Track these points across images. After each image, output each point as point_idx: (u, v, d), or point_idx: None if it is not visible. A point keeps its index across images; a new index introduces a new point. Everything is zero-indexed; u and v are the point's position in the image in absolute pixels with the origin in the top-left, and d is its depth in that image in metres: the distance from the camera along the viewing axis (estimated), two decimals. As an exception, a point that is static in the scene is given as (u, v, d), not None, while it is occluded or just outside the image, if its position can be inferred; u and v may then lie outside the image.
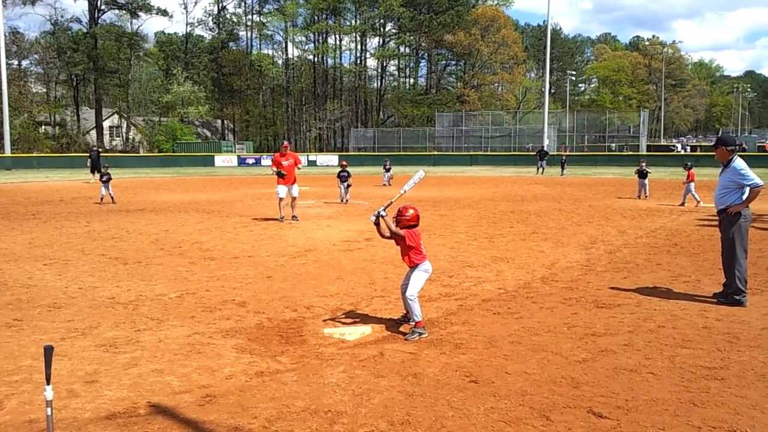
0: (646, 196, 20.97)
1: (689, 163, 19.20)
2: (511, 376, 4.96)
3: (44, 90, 71.59)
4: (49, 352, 3.19)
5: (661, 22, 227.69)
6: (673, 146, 74.08)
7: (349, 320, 6.63)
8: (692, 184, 18.43)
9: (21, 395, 4.59)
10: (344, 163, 21.64)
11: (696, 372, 5.00)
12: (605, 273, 8.96)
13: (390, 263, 9.71)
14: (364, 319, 6.68)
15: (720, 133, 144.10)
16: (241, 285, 8.29)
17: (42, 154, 54.67)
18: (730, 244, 7.33)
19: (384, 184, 28.32)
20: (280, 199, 15.20)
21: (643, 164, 21.53)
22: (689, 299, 7.34)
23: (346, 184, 20.30)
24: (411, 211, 6.20)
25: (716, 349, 5.54)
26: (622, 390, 4.64)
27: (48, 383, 3.17)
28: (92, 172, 31.20)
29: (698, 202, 18.23)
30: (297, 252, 10.89)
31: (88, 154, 34.70)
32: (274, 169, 15.15)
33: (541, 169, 38.93)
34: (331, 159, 57.23)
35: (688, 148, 71.17)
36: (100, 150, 38.96)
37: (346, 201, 20.17)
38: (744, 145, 62.70)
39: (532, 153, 49.07)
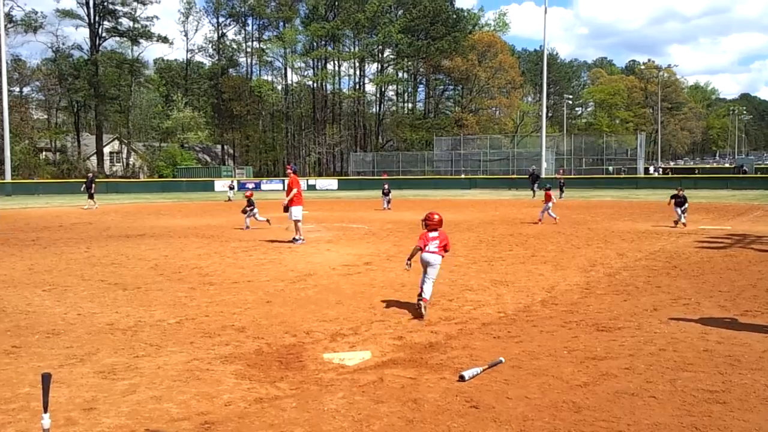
0: (684, 224, 18.57)
1: (548, 185, 22.02)
2: (512, 401, 4.93)
3: (45, 116, 72.04)
4: (46, 379, 3.17)
5: (656, 47, 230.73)
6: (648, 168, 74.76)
7: (348, 345, 6.60)
8: (550, 204, 20.80)
9: (18, 423, 4.55)
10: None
11: (698, 396, 4.97)
12: (605, 296, 8.94)
13: (389, 287, 9.69)
14: (364, 343, 6.65)
15: (717, 155, 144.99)
16: (240, 310, 8.27)
17: (42, 180, 54.83)
18: None
19: (384, 208, 28.31)
20: (298, 221, 15.61)
21: (680, 191, 19.09)
22: (690, 322, 7.31)
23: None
24: (436, 216, 8.21)
25: (718, 372, 5.51)
26: (624, 414, 4.61)
27: (45, 411, 3.15)
28: (89, 197, 31.19)
29: (554, 219, 20.50)
30: (296, 277, 10.87)
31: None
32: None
33: (535, 193, 38.68)
34: (330, 183, 57.35)
35: (660, 170, 72.14)
36: (96, 175, 38.66)
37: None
38: (744, 168, 63.00)
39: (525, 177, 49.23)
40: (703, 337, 6.64)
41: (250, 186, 46.77)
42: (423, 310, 7.72)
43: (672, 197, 19.23)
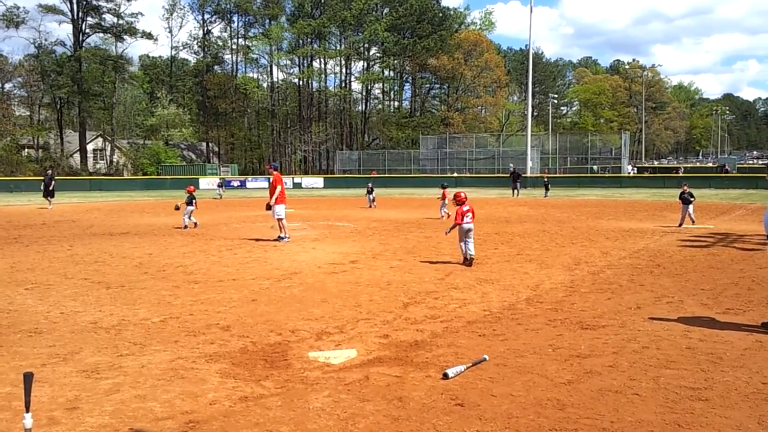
0: (693, 222, 18.64)
1: (445, 183, 23.57)
2: (497, 398, 4.95)
3: (28, 113, 71.09)
4: (28, 378, 3.14)
5: (640, 47, 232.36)
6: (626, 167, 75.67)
7: (334, 343, 6.59)
8: (446, 201, 21.91)
9: None
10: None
11: (680, 393, 5.02)
12: (589, 294, 9.00)
13: (375, 286, 9.70)
14: (350, 342, 6.65)
15: (700, 154, 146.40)
16: (225, 309, 8.23)
17: (25, 177, 54.23)
18: None
19: (370, 206, 28.33)
20: (281, 219, 15.53)
21: (686, 188, 18.78)
22: (673, 320, 7.38)
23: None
24: (462, 194, 11.64)
25: (700, 370, 5.57)
26: (608, 412, 4.65)
27: (27, 411, 3.13)
28: (45, 196, 29.76)
29: (446, 215, 21.50)
30: (282, 275, 10.84)
31: (42, 178, 32.80)
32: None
33: (516, 192, 38.86)
34: (316, 181, 57.22)
35: (636, 169, 73.20)
36: (53, 173, 36.01)
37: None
38: (727, 167, 63.65)
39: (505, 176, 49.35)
40: (686, 335, 6.71)
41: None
42: (471, 263, 11.36)
43: (680, 196, 18.83)
